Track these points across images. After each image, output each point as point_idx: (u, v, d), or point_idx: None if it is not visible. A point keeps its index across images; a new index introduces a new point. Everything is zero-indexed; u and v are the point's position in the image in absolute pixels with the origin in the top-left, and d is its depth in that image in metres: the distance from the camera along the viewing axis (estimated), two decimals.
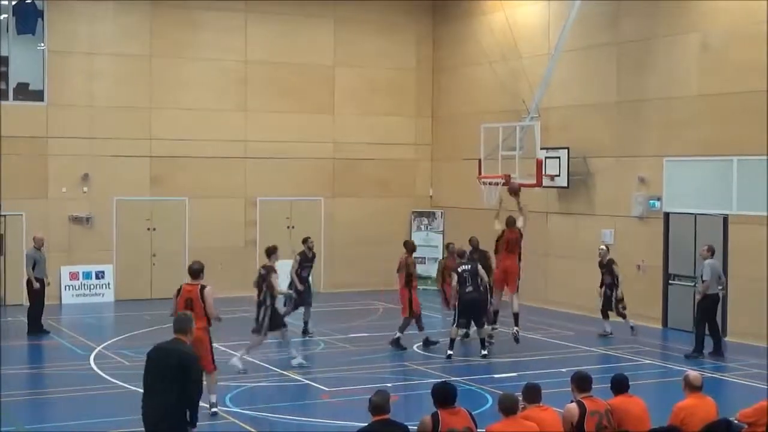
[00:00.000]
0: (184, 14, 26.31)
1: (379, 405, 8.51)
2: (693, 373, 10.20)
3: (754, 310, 19.44)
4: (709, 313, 18.25)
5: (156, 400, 9.39)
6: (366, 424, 8.54)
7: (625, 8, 22.74)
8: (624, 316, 20.35)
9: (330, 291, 27.07)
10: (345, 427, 12.71)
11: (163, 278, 25.59)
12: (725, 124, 20.39)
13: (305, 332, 20.14)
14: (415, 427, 8.75)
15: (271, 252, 17.18)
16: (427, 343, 18.95)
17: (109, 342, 19.49)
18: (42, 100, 25.05)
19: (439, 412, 8.67)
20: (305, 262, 20.38)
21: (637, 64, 22.42)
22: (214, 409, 13.56)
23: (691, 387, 9.89)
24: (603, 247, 20.88)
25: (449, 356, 17.80)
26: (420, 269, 28.69)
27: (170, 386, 9.34)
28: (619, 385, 9.92)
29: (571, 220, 24.16)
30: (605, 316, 20.62)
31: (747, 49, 19.87)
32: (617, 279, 20.39)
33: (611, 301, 20.46)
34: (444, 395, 8.77)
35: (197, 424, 9.64)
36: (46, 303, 20.87)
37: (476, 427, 8.76)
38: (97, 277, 25.35)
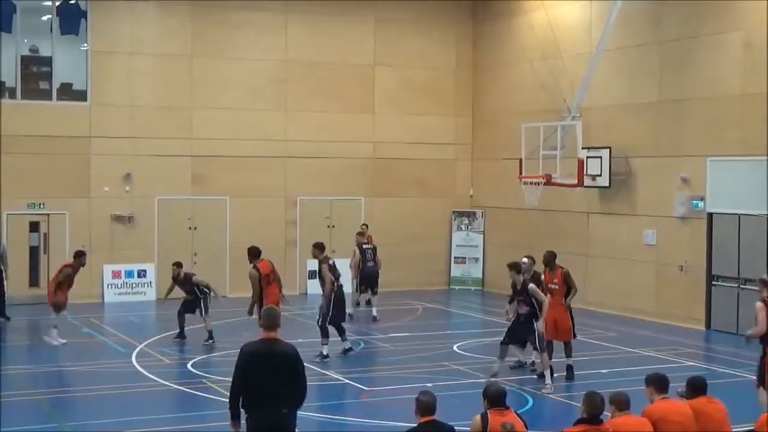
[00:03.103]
0: (224, 14, 26.44)
1: (427, 405, 8.43)
2: None
3: None
4: None
5: (279, 407, 8.96)
6: (415, 425, 8.47)
7: (668, 7, 22.53)
8: None
9: None
10: (382, 426, 12.70)
11: (204, 277, 25.54)
12: None
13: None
14: (461, 428, 8.71)
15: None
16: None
17: (151, 340, 19.66)
18: (85, 100, 25.28)
19: (488, 412, 8.64)
20: None
21: (679, 64, 22.21)
22: None
23: None
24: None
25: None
26: (461, 270, 28.84)
27: (289, 389, 8.98)
28: (696, 387, 9.73)
29: (612, 221, 23.97)
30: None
31: None
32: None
33: None
34: (495, 395, 8.75)
35: None
36: (88, 302, 21.19)
37: (526, 428, 8.72)
38: (139, 276, 25.53)
